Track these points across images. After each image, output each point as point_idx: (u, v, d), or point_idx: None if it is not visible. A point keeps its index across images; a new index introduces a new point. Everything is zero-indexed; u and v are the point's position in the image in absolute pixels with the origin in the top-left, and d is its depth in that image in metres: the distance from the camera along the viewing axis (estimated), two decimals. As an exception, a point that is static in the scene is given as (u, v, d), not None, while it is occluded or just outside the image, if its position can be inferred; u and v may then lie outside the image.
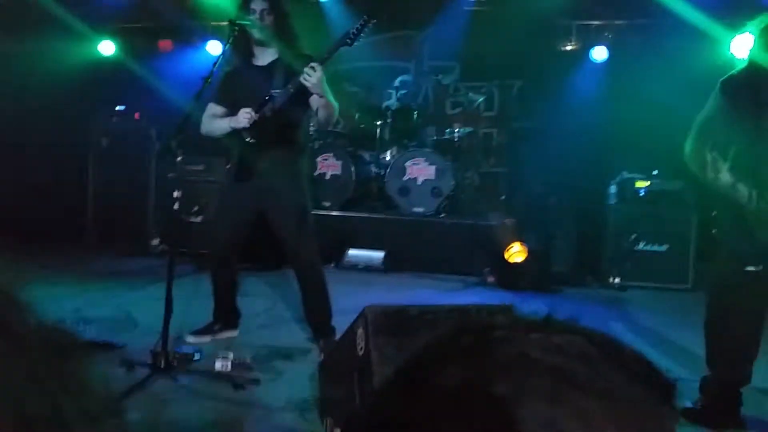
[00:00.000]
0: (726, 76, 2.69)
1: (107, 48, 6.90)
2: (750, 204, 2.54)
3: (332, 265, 5.66)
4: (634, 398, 0.46)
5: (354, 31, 3.21)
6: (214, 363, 3.24)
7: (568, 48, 6.57)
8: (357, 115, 6.53)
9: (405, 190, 6.05)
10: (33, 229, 5.69)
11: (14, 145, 6.21)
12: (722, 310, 2.75)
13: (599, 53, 6.40)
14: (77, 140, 6.44)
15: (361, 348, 2.39)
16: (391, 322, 2.39)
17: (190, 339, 3.63)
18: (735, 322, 2.71)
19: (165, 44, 7.05)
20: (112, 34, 6.90)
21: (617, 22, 6.42)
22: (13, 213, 5.76)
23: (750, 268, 2.61)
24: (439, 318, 2.43)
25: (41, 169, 6.33)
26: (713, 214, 2.78)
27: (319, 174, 6.21)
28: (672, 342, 3.96)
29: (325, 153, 6.23)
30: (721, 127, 2.64)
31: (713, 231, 2.79)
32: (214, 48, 6.54)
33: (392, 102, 6.49)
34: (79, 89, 6.44)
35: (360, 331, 2.42)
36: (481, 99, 6.66)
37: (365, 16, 3.26)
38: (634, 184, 5.35)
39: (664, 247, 5.23)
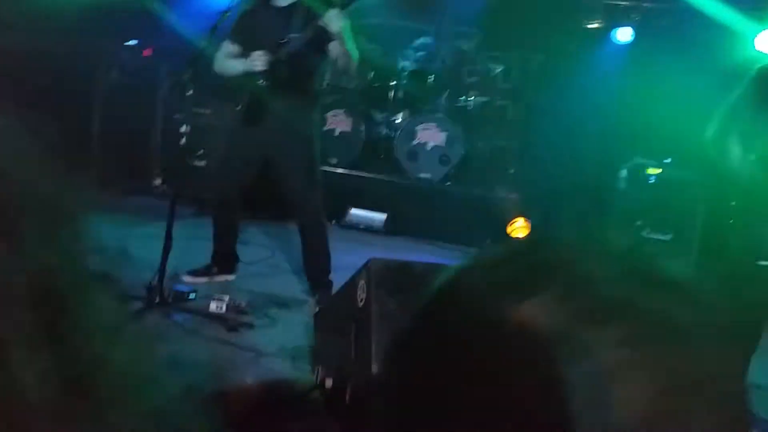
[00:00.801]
0: (764, 63, 2.61)
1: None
2: None
3: (333, 222, 5.61)
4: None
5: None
6: (209, 304, 3.22)
7: (593, 26, 6.42)
8: (371, 74, 6.41)
9: (413, 154, 5.98)
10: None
11: (18, 78, 6.10)
12: (726, 303, 2.72)
13: (623, 34, 6.26)
14: (85, 74, 6.32)
15: (362, 300, 2.36)
16: (395, 276, 2.36)
17: (187, 278, 3.61)
18: (737, 317, 2.68)
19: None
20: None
21: (645, 4, 6.27)
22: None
23: (763, 263, 2.56)
24: (442, 277, 2.40)
25: (46, 99, 6.22)
26: (732, 204, 2.71)
27: (328, 130, 6.11)
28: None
29: (336, 109, 6.13)
30: (750, 115, 2.57)
31: (730, 221, 2.73)
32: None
33: (408, 63, 6.36)
34: (89, 22, 6.29)
35: (362, 282, 2.39)
36: (499, 69, 6.54)
37: None
38: (645, 170, 5.28)
39: (668, 236, 5.19)
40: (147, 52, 6.32)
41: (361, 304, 2.36)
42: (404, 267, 2.48)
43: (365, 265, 2.40)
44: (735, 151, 2.52)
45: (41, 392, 0.37)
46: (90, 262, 0.46)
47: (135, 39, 6.38)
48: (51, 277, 0.39)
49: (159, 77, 6.18)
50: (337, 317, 2.60)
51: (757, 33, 5.05)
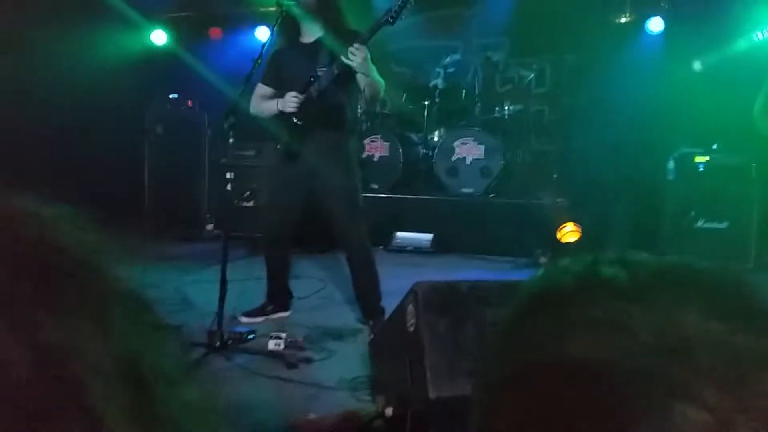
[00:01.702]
0: None
1: (159, 37, 7.05)
2: None
3: (381, 247, 5.66)
4: None
5: (396, 9, 3.18)
6: (268, 342, 3.29)
7: (623, 20, 6.34)
8: (404, 96, 6.49)
9: (453, 170, 5.99)
10: (93, 217, 5.90)
11: (71, 136, 6.43)
12: None
13: (655, 24, 6.15)
14: (133, 129, 6.62)
15: (412, 325, 2.39)
16: (442, 298, 2.37)
17: (244, 319, 3.71)
18: None
19: (215, 32, 7.16)
20: (164, 24, 7.04)
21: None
22: (73, 201, 5.98)
23: None
24: (490, 294, 2.40)
25: (99, 159, 6.54)
26: None
27: (367, 156, 6.21)
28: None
29: (373, 135, 6.22)
30: None
31: None
32: (263, 34, 6.60)
33: (439, 81, 6.41)
34: (133, 78, 6.61)
35: (410, 307, 2.41)
36: (531, 75, 6.51)
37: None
38: (692, 159, 5.14)
39: (724, 225, 5.02)
40: (189, 104, 6.59)
41: (411, 329, 2.38)
42: (450, 288, 2.49)
43: (411, 290, 2.43)
44: None
45: None
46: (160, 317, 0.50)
47: (176, 92, 6.66)
48: (136, 361, 0.42)
49: (202, 126, 6.42)
50: (390, 344, 2.62)
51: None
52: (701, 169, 5.09)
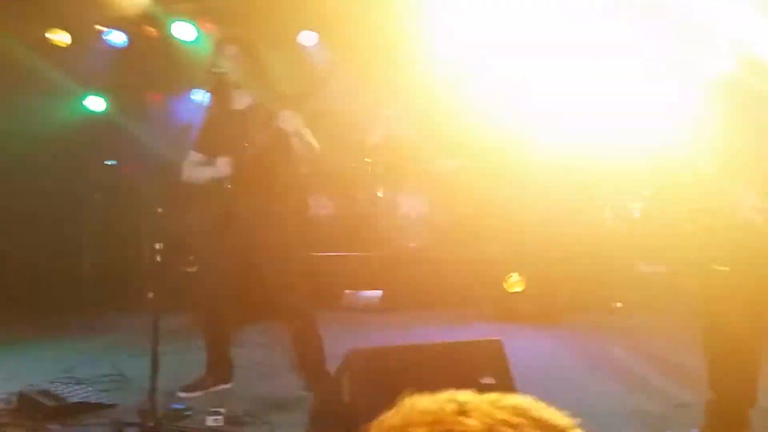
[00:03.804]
0: (717, 75, 2.66)
1: (96, 104, 6.94)
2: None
3: (329, 307, 5.57)
4: None
5: (325, 74, 3.21)
6: (206, 419, 3.14)
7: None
8: (346, 155, 6.53)
9: (399, 226, 6.00)
10: (30, 289, 5.66)
11: (4, 204, 6.21)
12: (712, 325, 2.67)
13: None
14: (70, 197, 6.44)
15: (347, 395, 2.31)
16: (376, 365, 2.32)
17: (182, 395, 3.54)
18: (726, 338, 2.61)
19: (154, 97, 7.10)
20: (100, 90, 6.95)
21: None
22: (9, 273, 5.73)
23: (719, 267, 2.52)
24: (425, 358, 2.35)
25: (35, 228, 6.31)
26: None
27: (312, 215, 6.17)
28: (677, 365, 3.84)
29: (317, 194, 6.20)
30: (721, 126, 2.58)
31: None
32: (199, 96, 6.58)
33: (380, 138, 6.48)
34: (69, 146, 6.46)
35: (345, 377, 2.35)
36: (471, 129, 6.63)
37: (336, 60, 3.26)
38: (628, 206, 5.29)
39: (664, 268, 5.14)
40: (126, 170, 6.47)
41: (347, 400, 2.31)
42: (387, 352, 2.44)
43: (345, 359, 2.37)
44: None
45: None
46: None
47: (114, 159, 6.54)
48: None
49: (140, 193, 6.29)
50: (328, 416, 2.54)
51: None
52: (637, 215, 5.23)
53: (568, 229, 5.66)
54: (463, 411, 0.55)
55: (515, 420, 0.52)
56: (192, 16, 6.34)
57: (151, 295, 6.08)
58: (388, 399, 2.27)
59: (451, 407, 0.55)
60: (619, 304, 5.22)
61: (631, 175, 5.44)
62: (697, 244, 2.69)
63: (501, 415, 0.51)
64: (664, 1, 5.13)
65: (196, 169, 3.61)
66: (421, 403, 0.55)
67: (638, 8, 5.17)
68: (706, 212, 2.61)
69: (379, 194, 6.33)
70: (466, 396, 0.58)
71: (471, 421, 0.52)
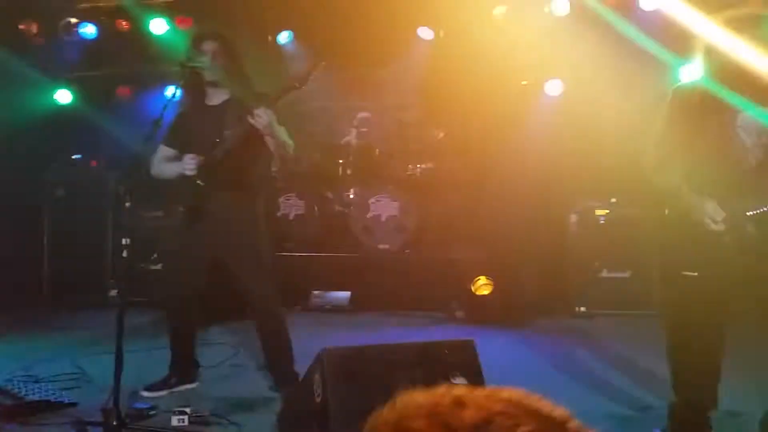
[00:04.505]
0: (677, 85, 2.73)
1: (64, 97, 6.78)
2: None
3: (298, 307, 5.54)
4: None
5: (302, 74, 3.19)
6: (171, 418, 3.09)
7: (525, 83, 6.65)
8: (318, 155, 6.51)
9: (369, 227, 6.01)
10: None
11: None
12: (676, 329, 2.74)
13: (553, 88, 6.49)
14: (33, 191, 6.27)
15: (319, 395, 2.30)
16: (349, 365, 2.31)
17: (145, 394, 3.48)
18: (690, 342, 2.68)
19: (123, 91, 6.98)
20: (69, 83, 6.80)
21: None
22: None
23: (687, 273, 2.59)
24: (398, 358, 2.36)
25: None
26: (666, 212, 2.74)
27: (282, 214, 6.14)
28: (640, 368, 3.92)
29: (288, 193, 6.17)
30: (677, 136, 2.63)
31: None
32: (171, 92, 6.48)
33: (353, 139, 6.48)
34: (34, 139, 6.30)
35: (317, 376, 2.34)
36: (442, 134, 6.69)
37: (313, 60, 3.25)
38: (593, 212, 5.39)
39: (627, 274, 5.25)
40: (94, 164, 6.32)
41: (318, 400, 2.30)
42: (359, 352, 2.44)
43: (318, 358, 2.36)
44: (674, 175, 2.59)
45: None
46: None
47: (81, 153, 6.39)
48: None
49: (106, 187, 6.15)
50: (298, 416, 2.52)
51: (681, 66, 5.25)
52: (602, 222, 5.33)
53: (534, 234, 5.75)
54: (459, 403, 0.55)
55: (511, 411, 0.53)
56: (165, 11, 6.25)
57: (114, 292, 6.01)
58: (361, 398, 2.26)
59: (447, 400, 0.56)
60: (582, 308, 5.31)
61: (597, 182, 5.54)
62: (663, 250, 2.75)
63: (497, 407, 0.52)
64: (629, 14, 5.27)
65: (164, 165, 3.56)
66: (416, 397, 0.56)
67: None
68: (672, 219, 2.67)
69: (351, 195, 6.33)
70: (462, 389, 0.58)
71: (468, 413, 0.53)
